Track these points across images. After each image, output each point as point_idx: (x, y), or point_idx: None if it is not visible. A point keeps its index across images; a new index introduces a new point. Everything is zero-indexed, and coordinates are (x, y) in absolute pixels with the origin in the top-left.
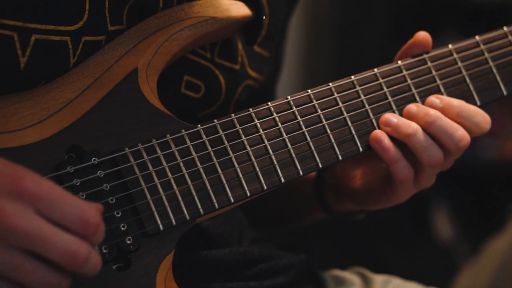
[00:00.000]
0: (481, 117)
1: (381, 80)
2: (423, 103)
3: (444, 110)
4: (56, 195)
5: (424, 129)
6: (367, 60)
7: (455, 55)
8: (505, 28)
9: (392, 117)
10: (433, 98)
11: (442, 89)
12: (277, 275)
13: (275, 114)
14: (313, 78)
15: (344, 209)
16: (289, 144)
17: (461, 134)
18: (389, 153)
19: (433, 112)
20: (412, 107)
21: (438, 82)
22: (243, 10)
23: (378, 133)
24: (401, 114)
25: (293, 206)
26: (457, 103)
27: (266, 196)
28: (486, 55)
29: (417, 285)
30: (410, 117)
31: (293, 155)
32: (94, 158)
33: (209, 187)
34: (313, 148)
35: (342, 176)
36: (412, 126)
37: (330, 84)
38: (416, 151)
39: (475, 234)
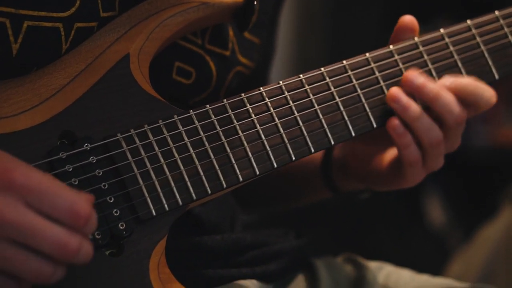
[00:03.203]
0: (489, 93)
1: (373, 65)
2: None
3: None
4: (46, 187)
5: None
6: (359, 46)
7: (446, 40)
8: (496, 12)
9: (401, 94)
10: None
11: (434, 73)
12: (269, 262)
13: (267, 99)
14: (305, 63)
15: (351, 188)
16: (281, 129)
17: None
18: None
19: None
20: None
21: (430, 66)
22: None
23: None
24: None
25: (298, 183)
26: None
27: (271, 174)
28: (478, 39)
29: (409, 272)
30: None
31: (285, 140)
32: (86, 144)
33: (201, 172)
34: (305, 132)
35: (351, 156)
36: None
37: (322, 69)
38: (419, 130)
39: (467, 221)
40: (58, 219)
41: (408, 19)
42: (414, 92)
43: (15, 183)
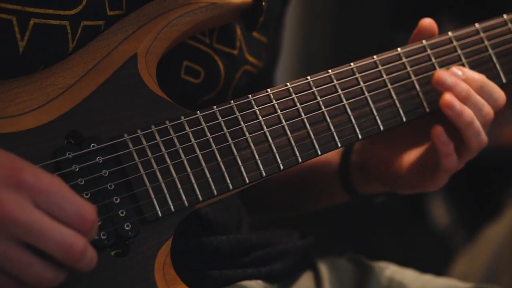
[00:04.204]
0: (498, 94)
1: (380, 67)
2: (422, 91)
3: (466, 83)
4: (55, 189)
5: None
6: (364, 47)
7: (454, 43)
8: (505, 16)
9: (455, 100)
10: (455, 70)
11: None
12: (274, 262)
13: (274, 101)
14: (310, 66)
15: (371, 191)
16: (288, 131)
17: (488, 109)
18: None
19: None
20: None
21: (438, 69)
22: None
23: (449, 97)
24: (400, 101)
25: (314, 187)
26: (479, 77)
27: (284, 179)
28: (486, 43)
29: (413, 272)
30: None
31: (292, 142)
32: (93, 144)
33: (208, 174)
34: (312, 135)
35: (370, 158)
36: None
37: (330, 71)
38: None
39: (471, 220)
40: (65, 222)
41: (428, 22)
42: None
43: (25, 183)
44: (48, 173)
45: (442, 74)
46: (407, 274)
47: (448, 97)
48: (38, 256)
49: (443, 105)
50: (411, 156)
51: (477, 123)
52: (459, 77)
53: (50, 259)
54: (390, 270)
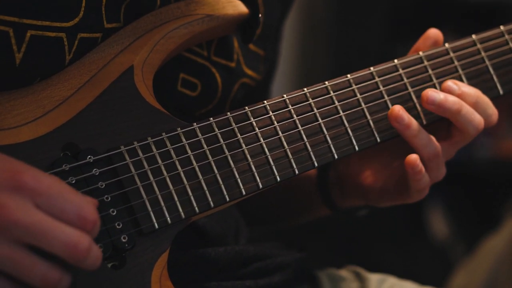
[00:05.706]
0: (492, 110)
1: (377, 79)
2: (419, 102)
3: (461, 97)
4: (55, 191)
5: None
6: (363, 59)
7: (451, 54)
8: (501, 27)
9: (404, 113)
10: (451, 84)
11: (438, 88)
12: (273, 274)
13: (271, 112)
14: (309, 77)
15: (350, 205)
16: (285, 143)
17: (479, 118)
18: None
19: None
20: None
21: (435, 81)
22: (239, 8)
23: (398, 109)
24: None
25: (295, 203)
26: (474, 92)
27: (266, 194)
28: (483, 54)
29: (412, 284)
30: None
31: (289, 153)
32: (89, 156)
33: (204, 186)
34: (309, 146)
35: (347, 174)
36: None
37: (326, 82)
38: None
39: (470, 233)
40: (67, 222)
41: (434, 33)
42: (436, 109)
43: (25, 185)
44: (48, 175)
45: (430, 93)
46: (406, 286)
47: (396, 109)
48: (42, 257)
49: (390, 117)
50: (386, 170)
51: (425, 134)
52: (454, 91)
53: (55, 260)
54: (389, 282)
